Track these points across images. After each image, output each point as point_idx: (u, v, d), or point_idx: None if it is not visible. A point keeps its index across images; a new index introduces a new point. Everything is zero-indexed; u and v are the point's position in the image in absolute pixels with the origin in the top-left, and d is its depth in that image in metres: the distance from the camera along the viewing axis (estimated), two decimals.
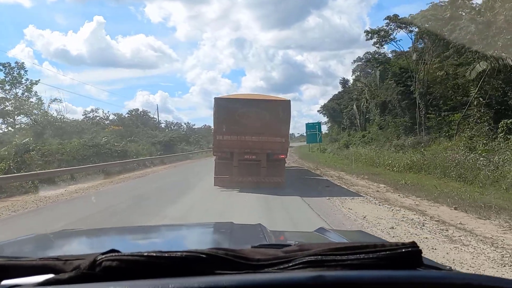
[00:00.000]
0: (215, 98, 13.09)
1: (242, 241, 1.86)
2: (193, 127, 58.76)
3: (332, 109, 54.95)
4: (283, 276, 0.76)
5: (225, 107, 12.67)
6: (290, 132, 21.11)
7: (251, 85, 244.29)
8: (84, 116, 44.93)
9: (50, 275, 0.77)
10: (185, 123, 59.72)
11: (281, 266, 0.79)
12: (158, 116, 45.73)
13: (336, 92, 62.18)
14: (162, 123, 49.70)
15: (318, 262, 0.78)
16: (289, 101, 13.44)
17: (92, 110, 45.44)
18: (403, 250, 0.80)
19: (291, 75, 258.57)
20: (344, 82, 64.44)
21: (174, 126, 53.25)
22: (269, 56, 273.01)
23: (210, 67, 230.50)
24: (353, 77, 58.28)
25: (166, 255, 0.77)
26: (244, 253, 0.83)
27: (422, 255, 0.84)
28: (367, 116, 44.54)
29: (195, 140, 46.56)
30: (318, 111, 69.84)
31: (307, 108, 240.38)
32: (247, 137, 12.38)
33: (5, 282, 0.76)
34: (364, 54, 56.78)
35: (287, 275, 0.76)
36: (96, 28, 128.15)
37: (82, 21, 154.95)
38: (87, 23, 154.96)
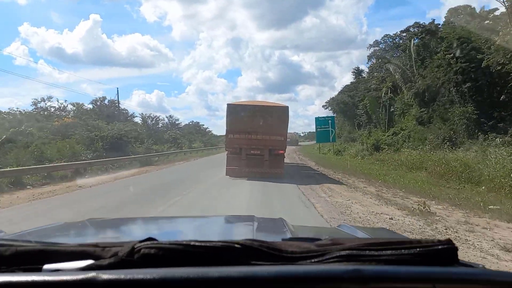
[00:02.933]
0: (228, 104, 15.45)
1: (267, 234, 1.84)
2: (176, 122, 48.95)
3: (342, 102, 45.41)
4: (319, 268, 0.75)
5: (236, 111, 15.10)
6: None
7: (247, 85, 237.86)
8: (34, 107, 34.95)
9: (90, 261, 0.78)
10: (167, 117, 49.74)
11: (316, 259, 0.79)
12: (118, 101, 35.58)
13: (348, 83, 52.73)
14: (124, 111, 39.38)
15: (353, 257, 0.77)
16: (287, 106, 15.71)
17: (42, 100, 35.24)
18: (439, 247, 0.78)
19: (287, 76, 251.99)
20: (357, 72, 55.25)
21: (152, 121, 43.54)
22: (265, 56, 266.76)
23: (206, 66, 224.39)
24: (369, 64, 49.17)
25: (204, 244, 0.78)
26: (277, 245, 0.83)
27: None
28: (392, 109, 35.17)
29: (171, 137, 36.45)
30: (323, 106, 60.49)
31: (303, 109, 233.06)
32: (253, 136, 14.74)
33: (47, 266, 0.77)
34: (382, 38, 47.69)
35: (323, 267, 0.75)
36: (92, 27, 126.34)
37: (78, 20, 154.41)
38: (83, 22, 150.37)
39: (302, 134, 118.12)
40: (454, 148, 20.65)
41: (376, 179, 13.62)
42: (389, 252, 0.78)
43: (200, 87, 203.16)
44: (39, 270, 0.77)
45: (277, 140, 14.82)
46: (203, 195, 10.24)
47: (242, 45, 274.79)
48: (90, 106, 37.29)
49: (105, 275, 0.69)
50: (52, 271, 0.75)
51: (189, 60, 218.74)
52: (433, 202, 8.94)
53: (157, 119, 43.22)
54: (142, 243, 0.78)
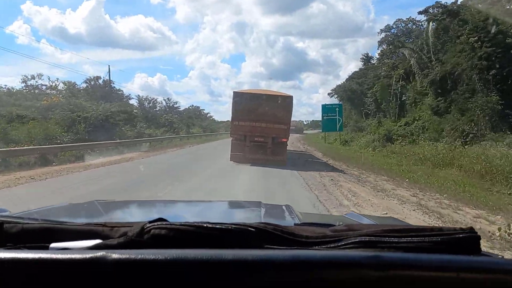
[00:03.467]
0: (234, 92, 15.76)
1: (276, 220, 1.81)
2: (175, 105, 46.67)
3: (350, 90, 43.17)
4: (336, 254, 0.73)
5: (241, 100, 15.27)
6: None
7: (250, 71, 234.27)
8: (24, 85, 33.02)
9: (98, 240, 0.77)
10: (164, 99, 47.27)
11: (332, 245, 0.76)
12: (110, 80, 33.37)
13: (356, 70, 50.44)
14: (119, 91, 37.15)
15: (371, 243, 0.74)
16: (292, 96, 16.17)
17: (32, 77, 33.23)
18: (462, 235, 0.75)
19: (291, 63, 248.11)
20: (366, 58, 52.86)
21: (149, 103, 41.44)
22: (270, 42, 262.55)
23: (210, 51, 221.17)
24: (379, 50, 46.79)
25: (217, 226, 0.75)
26: (291, 230, 0.81)
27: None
28: (403, 98, 33.07)
29: (167, 121, 34.30)
30: (329, 94, 58.22)
31: (307, 97, 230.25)
32: (257, 124, 14.92)
33: (54, 245, 0.76)
34: (394, 22, 45.19)
35: (341, 253, 0.73)
36: (95, 7, 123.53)
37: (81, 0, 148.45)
38: (86, 1, 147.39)
39: (305, 123, 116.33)
40: (473, 141, 18.68)
41: (401, 177, 11.56)
42: (408, 239, 0.75)
43: (203, 72, 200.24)
44: (45, 248, 0.76)
45: (281, 128, 15.13)
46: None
47: (247, 30, 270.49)
48: (84, 85, 35.26)
49: (115, 255, 0.67)
50: (59, 250, 0.73)
51: (192, 43, 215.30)
52: (499, 217, 6.76)
53: (155, 101, 41.25)
54: (152, 224, 0.76)
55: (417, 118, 27.36)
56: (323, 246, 0.77)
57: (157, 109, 41.35)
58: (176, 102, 49.24)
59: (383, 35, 44.69)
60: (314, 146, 29.05)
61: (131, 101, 39.36)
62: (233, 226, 0.76)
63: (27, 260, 0.68)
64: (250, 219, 1.79)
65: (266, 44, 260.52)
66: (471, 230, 0.77)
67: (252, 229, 0.76)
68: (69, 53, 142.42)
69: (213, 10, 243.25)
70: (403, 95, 33.24)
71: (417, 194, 9.10)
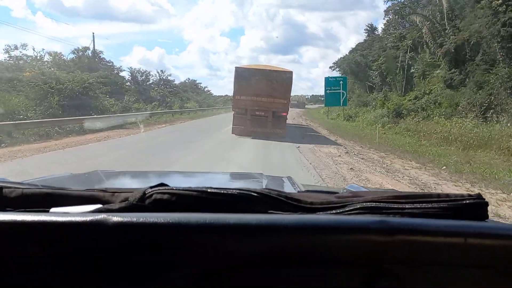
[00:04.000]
0: (236, 68, 16.22)
1: (279, 188, 1.52)
2: (168, 78, 44.04)
3: (354, 62, 40.89)
4: (342, 218, 0.72)
5: (243, 75, 15.83)
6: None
7: (250, 45, 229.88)
8: (7, 55, 30.73)
9: (99, 205, 0.76)
10: (158, 71, 44.64)
11: (337, 211, 0.76)
12: (94, 50, 30.93)
13: (362, 40, 47.96)
14: (109, 63, 34.72)
15: (376, 209, 0.74)
16: (292, 71, 16.53)
17: (16, 47, 30.91)
18: (469, 201, 0.74)
19: (291, 36, 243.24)
20: (371, 29, 50.27)
21: (141, 76, 39.09)
22: (270, 15, 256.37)
23: (209, 24, 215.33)
24: (385, 20, 44.19)
25: (219, 191, 0.74)
26: (295, 196, 0.80)
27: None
28: (412, 70, 31.06)
29: (159, 94, 31.95)
30: (330, 67, 55.93)
31: (306, 71, 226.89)
32: (258, 98, 15.44)
33: (54, 209, 0.75)
34: None
35: (346, 218, 0.73)
36: None
37: None
38: None
39: (306, 97, 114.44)
40: (491, 117, 16.90)
41: (434, 163, 9.52)
42: (415, 205, 0.74)
43: (202, 46, 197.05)
44: (46, 212, 0.74)
45: (281, 103, 15.74)
46: None
47: (247, 2, 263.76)
48: (72, 56, 32.93)
49: (116, 218, 0.67)
50: (60, 213, 0.73)
51: (191, 17, 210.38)
52: None
53: (148, 74, 38.93)
54: (154, 188, 0.75)
55: (427, 92, 25.41)
56: (328, 212, 0.76)
57: (150, 82, 39.17)
58: (170, 75, 46.79)
59: (389, 4, 41.92)
60: (317, 122, 27.23)
61: (123, 74, 37.21)
62: (237, 191, 0.76)
63: (27, 222, 0.67)
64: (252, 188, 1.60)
65: (266, 17, 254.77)
66: (479, 196, 0.76)
67: (255, 194, 0.76)
68: (65, 25, 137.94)
69: None
70: (411, 67, 31.19)
71: (473, 192, 7.12)
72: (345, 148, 12.82)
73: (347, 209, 0.75)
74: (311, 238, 0.68)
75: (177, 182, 1.89)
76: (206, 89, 64.62)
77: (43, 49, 31.38)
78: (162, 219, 0.66)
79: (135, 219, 0.66)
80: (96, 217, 0.67)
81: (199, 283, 0.68)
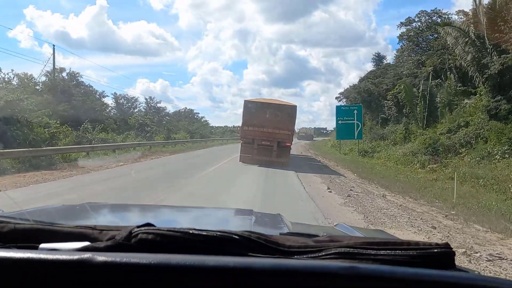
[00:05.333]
0: (245, 101, 17.60)
1: (265, 228, 1.85)
2: (157, 105, 39.33)
3: (365, 91, 36.80)
4: (315, 264, 0.75)
5: (251, 107, 17.07)
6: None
7: (252, 78, 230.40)
8: None
9: (87, 243, 0.78)
10: (146, 98, 40.03)
11: (312, 255, 0.78)
12: (54, 64, 26.45)
13: (369, 70, 44.25)
14: (89, 87, 30.28)
15: (349, 254, 0.76)
16: (296, 106, 18.03)
17: None
18: (437, 250, 0.77)
19: (293, 70, 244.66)
20: (378, 58, 46.84)
21: (127, 102, 34.79)
22: (272, 50, 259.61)
23: (212, 58, 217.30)
24: (399, 46, 40.57)
25: (202, 233, 0.77)
26: (275, 239, 0.83)
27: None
28: (436, 99, 26.91)
29: (138, 122, 26.99)
30: (336, 97, 52.12)
31: (308, 105, 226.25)
32: (265, 129, 16.53)
33: (43, 245, 0.77)
34: (416, 15, 38.93)
35: (319, 263, 0.75)
36: (98, 12, 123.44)
37: (84, 4, 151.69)
38: (89, 7, 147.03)
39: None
40: None
41: None
42: (386, 252, 0.76)
43: (205, 78, 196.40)
44: (35, 248, 0.77)
45: (285, 134, 16.74)
46: None
47: (249, 38, 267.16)
48: (43, 79, 28.61)
49: (101, 257, 0.69)
50: (48, 250, 0.75)
51: (195, 50, 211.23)
52: None
53: (134, 101, 34.66)
54: (140, 228, 0.77)
55: (462, 124, 21.02)
56: (304, 256, 0.78)
57: (136, 110, 34.93)
58: (159, 102, 42.12)
59: (403, 29, 38.47)
60: (334, 160, 22.34)
61: (106, 99, 32.92)
62: (218, 233, 0.77)
63: (16, 259, 0.69)
64: (240, 226, 1.74)
65: (268, 51, 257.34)
66: (447, 245, 0.78)
67: (236, 236, 0.77)
68: (72, 58, 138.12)
69: (216, 17, 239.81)
70: (436, 96, 26.99)
71: None
72: (419, 219, 7.02)
73: (323, 253, 0.77)
74: (286, 282, 0.70)
75: (165, 218, 1.92)
76: (204, 119, 60.55)
77: (12, 70, 26.98)
78: (145, 260, 0.68)
79: (118, 259, 0.68)
80: (82, 256, 0.69)
81: None
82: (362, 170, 15.47)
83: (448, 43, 23.13)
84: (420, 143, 18.82)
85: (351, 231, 1.67)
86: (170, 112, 47.67)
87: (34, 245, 0.77)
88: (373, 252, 0.76)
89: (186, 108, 57.71)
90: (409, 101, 29.47)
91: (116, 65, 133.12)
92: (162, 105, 44.21)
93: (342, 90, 57.39)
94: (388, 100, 33.98)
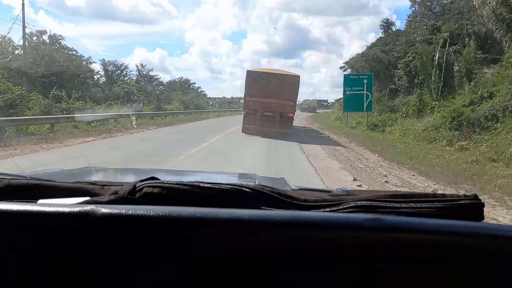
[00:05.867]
0: (247, 71, 17.25)
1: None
2: (150, 73, 36.08)
3: (374, 59, 34.11)
4: (337, 216, 0.70)
5: (254, 77, 16.83)
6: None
7: (252, 48, 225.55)
8: None
9: (87, 198, 0.74)
10: (137, 65, 36.83)
11: (330, 209, 0.74)
12: (24, 19, 23.70)
13: (364, 47, 41.35)
14: (72, 50, 27.56)
15: (370, 207, 0.72)
16: (299, 75, 18.02)
17: None
18: (465, 201, 0.73)
19: (294, 41, 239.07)
20: (387, 24, 43.82)
21: (117, 69, 32.08)
22: (273, 19, 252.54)
23: (211, 27, 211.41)
24: (411, 11, 37.60)
25: (212, 186, 0.73)
26: (289, 193, 0.79)
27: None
28: (454, 67, 24.51)
29: (123, 91, 24.38)
30: (341, 67, 49.46)
31: (308, 76, 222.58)
32: (267, 100, 16.38)
33: (42, 201, 0.73)
34: None
35: (341, 215, 0.71)
36: None
37: None
38: None
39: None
40: None
41: None
42: (410, 204, 0.72)
43: (203, 48, 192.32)
44: (33, 202, 0.72)
45: (288, 104, 16.76)
46: None
47: (249, 6, 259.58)
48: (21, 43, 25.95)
49: (105, 209, 0.65)
50: (47, 204, 0.70)
51: (193, 18, 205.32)
52: None
53: (124, 68, 31.99)
54: (144, 182, 0.73)
55: (485, 95, 18.69)
56: (322, 210, 0.74)
57: (127, 78, 32.23)
58: (151, 69, 38.61)
59: None
60: (341, 134, 20.07)
61: (93, 65, 30.30)
62: (229, 186, 0.74)
63: (14, 212, 0.65)
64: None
65: (269, 21, 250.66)
66: (475, 197, 0.74)
67: (248, 190, 0.74)
68: (67, 24, 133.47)
69: None
70: (452, 65, 24.54)
71: None
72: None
73: (342, 207, 0.73)
74: (304, 234, 0.66)
75: (168, 178, 1.50)
76: (200, 89, 57.82)
77: None
78: (152, 212, 0.64)
79: (124, 211, 0.64)
80: (85, 208, 0.65)
81: (188, 274, 0.66)
82: (381, 148, 13.09)
83: (474, 3, 20.37)
84: (442, 117, 16.53)
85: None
86: (164, 81, 44.93)
87: (31, 201, 0.71)
88: (396, 205, 0.72)
89: (182, 77, 54.77)
90: (424, 69, 27.02)
91: (113, 34, 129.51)
92: (154, 73, 41.26)
93: (344, 60, 54.52)
94: (399, 69, 31.44)
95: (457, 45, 26.23)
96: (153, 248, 0.65)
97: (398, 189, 6.94)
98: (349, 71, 51.38)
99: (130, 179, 1.75)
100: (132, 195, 0.72)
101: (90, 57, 34.15)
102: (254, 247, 0.66)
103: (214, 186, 0.73)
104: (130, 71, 33.33)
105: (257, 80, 16.49)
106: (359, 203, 0.73)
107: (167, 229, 0.65)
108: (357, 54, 41.96)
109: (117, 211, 0.64)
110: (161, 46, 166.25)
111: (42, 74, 21.05)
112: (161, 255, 0.65)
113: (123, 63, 32.93)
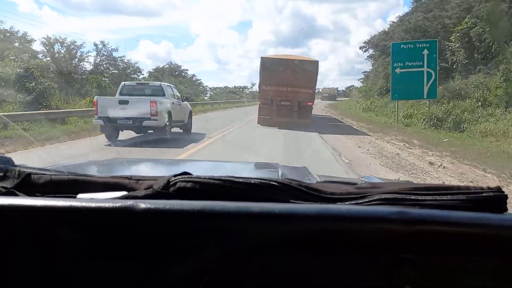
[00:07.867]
0: (262, 58, 16.19)
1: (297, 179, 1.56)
2: (114, 53, 27.67)
3: (418, 29, 25.67)
4: (363, 209, 0.73)
5: (268, 65, 15.69)
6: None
7: (258, 38, 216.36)
8: None
9: (124, 192, 0.78)
10: (95, 43, 28.23)
11: (357, 201, 0.76)
12: None
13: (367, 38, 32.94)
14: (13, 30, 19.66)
15: (395, 200, 0.74)
16: (317, 61, 16.61)
17: None
18: (488, 194, 0.73)
19: (300, 29, 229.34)
20: None
21: (65, 50, 24.08)
22: (278, 7, 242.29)
23: (216, 17, 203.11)
24: None
25: (243, 180, 0.76)
26: (316, 186, 0.81)
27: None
28: (494, 46, 16.37)
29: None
30: (361, 47, 41.55)
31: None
32: (284, 88, 15.24)
33: (81, 195, 0.77)
34: None
35: (367, 208, 0.73)
36: None
37: None
38: None
39: (316, 91, 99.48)
40: None
41: None
42: (434, 197, 0.73)
43: (209, 39, 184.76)
44: (74, 198, 0.75)
45: (306, 92, 15.54)
46: None
47: None
48: None
49: (143, 204, 0.68)
50: (88, 199, 0.73)
51: (198, 9, 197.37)
52: None
53: (78, 47, 23.91)
54: (178, 177, 0.76)
55: None
56: (348, 203, 0.76)
57: (83, 62, 24.13)
58: (116, 49, 29.48)
59: None
60: (412, 139, 11.97)
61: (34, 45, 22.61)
62: (259, 180, 0.76)
63: (57, 207, 0.68)
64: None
65: (274, 10, 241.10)
66: (499, 189, 0.75)
67: (277, 184, 0.76)
68: (72, 19, 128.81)
69: None
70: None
71: None
72: None
73: (367, 199, 0.75)
74: (333, 226, 0.69)
75: (197, 171, 1.54)
76: (195, 78, 49.70)
77: None
78: (187, 207, 0.68)
79: (161, 206, 0.67)
80: (124, 203, 0.68)
81: (223, 265, 0.69)
82: None
83: None
84: None
85: (380, 181, 1.49)
86: (151, 70, 36.74)
87: (71, 196, 0.75)
88: (420, 197, 0.73)
89: (171, 63, 46.57)
90: (498, 38, 18.87)
91: (118, 28, 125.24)
92: (121, 54, 32.75)
93: (354, 46, 46.18)
94: (453, 41, 23.31)
95: None
96: (188, 241, 0.68)
97: None
98: (371, 51, 42.84)
99: (160, 171, 1.89)
100: (167, 190, 0.74)
101: (26, 32, 26.11)
102: (284, 240, 0.69)
103: (244, 181, 0.74)
104: (86, 53, 24.98)
105: (272, 67, 15.52)
106: (384, 196, 0.74)
107: (201, 222, 0.67)
108: (381, 30, 33.71)
109: (156, 206, 0.67)
110: (167, 38, 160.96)
111: None
112: (196, 248, 0.68)
113: (74, 41, 24.65)
